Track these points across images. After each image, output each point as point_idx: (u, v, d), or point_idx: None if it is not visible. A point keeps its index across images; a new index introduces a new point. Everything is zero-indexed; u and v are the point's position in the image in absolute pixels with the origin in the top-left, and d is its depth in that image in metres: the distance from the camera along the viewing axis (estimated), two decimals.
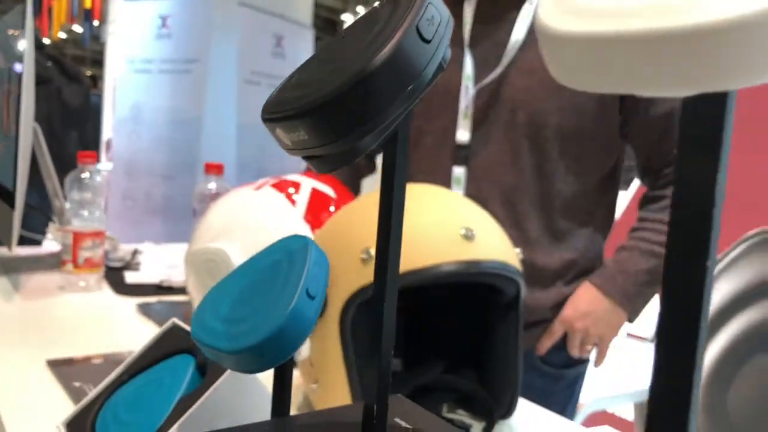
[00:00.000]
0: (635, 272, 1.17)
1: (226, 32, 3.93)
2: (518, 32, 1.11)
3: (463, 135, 1.14)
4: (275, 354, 0.33)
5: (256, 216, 0.91)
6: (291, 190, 0.94)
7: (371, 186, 1.75)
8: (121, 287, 1.26)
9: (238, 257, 0.87)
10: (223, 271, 0.87)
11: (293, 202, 0.92)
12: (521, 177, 1.13)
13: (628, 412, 2.32)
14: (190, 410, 0.44)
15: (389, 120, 0.25)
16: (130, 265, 1.42)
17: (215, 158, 3.80)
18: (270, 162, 4.06)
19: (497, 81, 1.11)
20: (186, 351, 0.49)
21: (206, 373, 0.47)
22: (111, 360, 0.88)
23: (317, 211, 0.93)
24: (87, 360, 0.88)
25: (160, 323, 1.05)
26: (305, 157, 0.27)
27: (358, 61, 0.25)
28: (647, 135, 1.16)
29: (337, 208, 0.95)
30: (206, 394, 0.44)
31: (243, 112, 4.00)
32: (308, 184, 0.95)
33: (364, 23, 0.28)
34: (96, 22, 6.05)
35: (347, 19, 12.97)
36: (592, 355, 1.25)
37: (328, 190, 0.97)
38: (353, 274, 0.66)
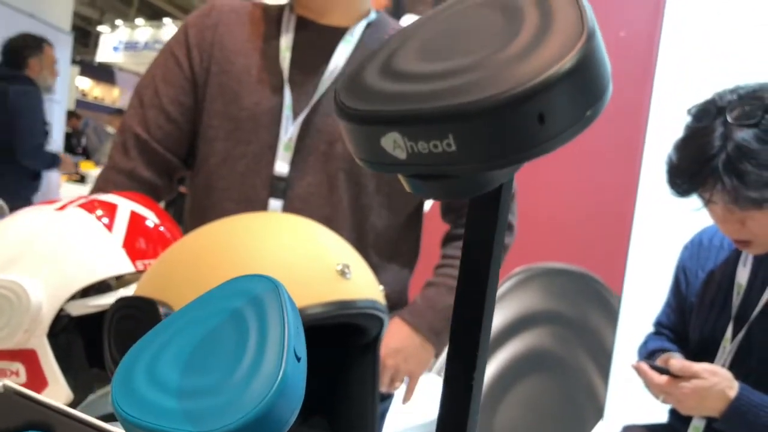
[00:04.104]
0: (443, 308, 1.19)
1: None
2: (337, 60, 1.09)
3: (282, 167, 1.08)
4: None
5: (62, 243, 0.75)
6: (102, 212, 0.80)
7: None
8: None
9: (39, 293, 0.70)
10: (16, 309, 0.70)
11: (108, 227, 0.78)
12: (337, 210, 1.11)
13: None
14: None
15: (550, 149, 0.19)
16: None
17: None
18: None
19: (314, 111, 1.07)
20: (35, 426, 0.36)
21: None
22: None
23: (137, 238, 0.79)
24: None
25: None
26: (416, 176, 0.19)
27: (536, 58, 0.18)
28: None
29: (160, 234, 0.83)
30: None
31: None
32: (126, 206, 0.81)
33: (490, 11, 0.21)
34: None
35: (104, 30, 12.06)
36: (398, 391, 1.25)
37: (150, 215, 0.83)
38: None
